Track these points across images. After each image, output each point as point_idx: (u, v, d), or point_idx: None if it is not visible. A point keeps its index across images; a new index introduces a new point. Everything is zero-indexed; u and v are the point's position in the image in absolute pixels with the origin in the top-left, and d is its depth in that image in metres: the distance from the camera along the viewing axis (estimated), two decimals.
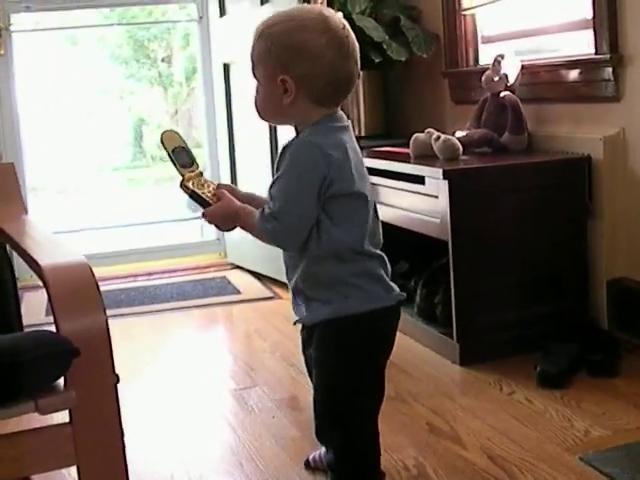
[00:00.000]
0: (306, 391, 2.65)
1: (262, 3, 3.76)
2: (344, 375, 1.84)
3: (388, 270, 1.88)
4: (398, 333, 1.91)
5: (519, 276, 2.85)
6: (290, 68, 1.75)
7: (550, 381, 2.57)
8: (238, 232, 1.87)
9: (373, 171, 3.17)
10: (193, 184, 1.83)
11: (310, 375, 1.96)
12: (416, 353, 2.95)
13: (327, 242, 1.76)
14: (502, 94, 3.14)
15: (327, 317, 1.82)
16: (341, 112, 1.85)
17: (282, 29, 1.77)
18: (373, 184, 3.07)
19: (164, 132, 1.87)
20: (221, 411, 2.59)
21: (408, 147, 3.24)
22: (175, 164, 1.83)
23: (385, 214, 3.08)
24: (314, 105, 1.78)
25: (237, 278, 4.16)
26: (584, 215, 2.90)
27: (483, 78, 3.20)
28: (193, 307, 3.76)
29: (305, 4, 1.95)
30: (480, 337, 2.81)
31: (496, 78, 3.15)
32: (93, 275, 1.56)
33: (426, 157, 3.08)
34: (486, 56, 3.64)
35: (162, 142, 1.85)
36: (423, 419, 2.41)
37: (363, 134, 4.01)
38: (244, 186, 3.96)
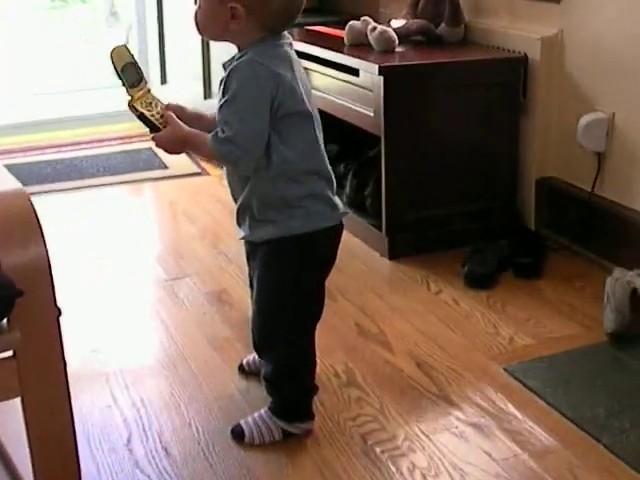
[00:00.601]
0: (235, 284, 2.68)
1: None
2: (285, 293, 1.85)
3: (334, 187, 1.87)
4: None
5: (450, 173, 2.87)
6: None
7: (477, 281, 2.63)
8: (168, 99, 1.85)
9: (306, 56, 3.11)
10: (142, 105, 1.77)
11: (251, 286, 1.96)
12: (346, 243, 2.93)
13: (277, 162, 1.74)
14: None
15: (271, 237, 1.82)
16: (285, 32, 1.79)
17: None
18: (306, 69, 3.04)
19: (114, 48, 1.78)
20: (153, 305, 2.60)
21: (341, 28, 3.18)
22: (124, 83, 1.76)
23: (318, 101, 3.05)
24: (261, 31, 1.73)
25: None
26: (517, 114, 2.91)
27: None
28: (120, 183, 3.70)
29: None
30: (409, 231, 2.85)
31: None
32: (32, 205, 1.52)
33: (361, 46, 3.03)
34: None
35: (111, 59, 1.77)
36: (352, 319, 2.46)
37: None
38: (174, 84, 3.92)
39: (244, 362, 2.18)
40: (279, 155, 1.74)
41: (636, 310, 2.29)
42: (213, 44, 3.66)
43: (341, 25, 3.40)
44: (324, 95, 3.10)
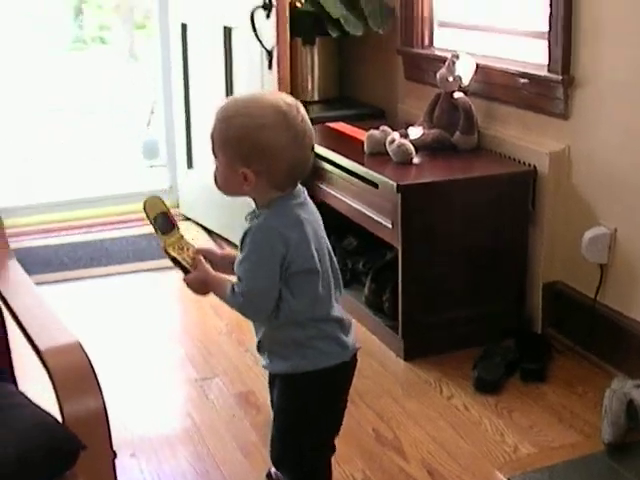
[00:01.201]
0: (261, 385, 2.91)
1: None
2: (298, 421, 2.10)
3: (346, 328, 2.10)
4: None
5: (462, 278, 3.14)
6: (251, 163, 1.90)
7: (486, 388, 2.89)
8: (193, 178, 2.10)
9: (327, 160, 3.41)
10: (173, 249, 2.03)
11: (272, 405, 2.23)
12: (364, 341, 3.23)
13: (287, 312, 1.98)
14: (455, 95, 3.36)
15: (285, 371, 2.07)
16: (298, 187, 2.00)
17: (241, 124, 1.90)
18: (326, 171, 3.34)
19: (147, 200, 2.03)
20: (184, 406, 2.87)
21: (362, 126, 3.49)
22: (156, 231, 2.02)
23: (338, 203, 3.36)
24: (272, 189, 1.95)
25: (186, 234, 4.35)
26: (526, 223, 3.18)
27: (438, 76, 3.40)
28: (147, 270, 3.99)
29: (267, 93, 2.06)
30: (423, 335, 3.12)
31: (450, 78, 3.36)
32: (87, 356, 1.80)
33: (379, 155, 3.30)
34: (441, 39, 3.84)
35: (145, 210, 2.04)
36: (370, 425, 2.72)
37: (316, 99, 4.21)
38: (199, 148, 4.21)
39: (272, 471, 2.44)
40: (289, 306, 1.97)
41: (632, 419, 2.55)
42: None
43: (361, 121, 3.71)
44: (344, 198, 3.39)
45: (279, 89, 3.59)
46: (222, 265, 2.07)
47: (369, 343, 3.22)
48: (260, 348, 2.12)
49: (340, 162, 3.38)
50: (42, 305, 2.09)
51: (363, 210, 3.26)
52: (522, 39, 3.37)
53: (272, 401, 2.23)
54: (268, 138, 1.88)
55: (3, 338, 2.23)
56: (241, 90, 3.90)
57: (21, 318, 1.99)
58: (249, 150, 1.89)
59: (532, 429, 2.68)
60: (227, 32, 3.95)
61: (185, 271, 2.03)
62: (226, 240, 4.27)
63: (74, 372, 1.80)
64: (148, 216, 2.02)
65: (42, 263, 4.01)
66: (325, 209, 3.27)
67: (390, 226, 3.07)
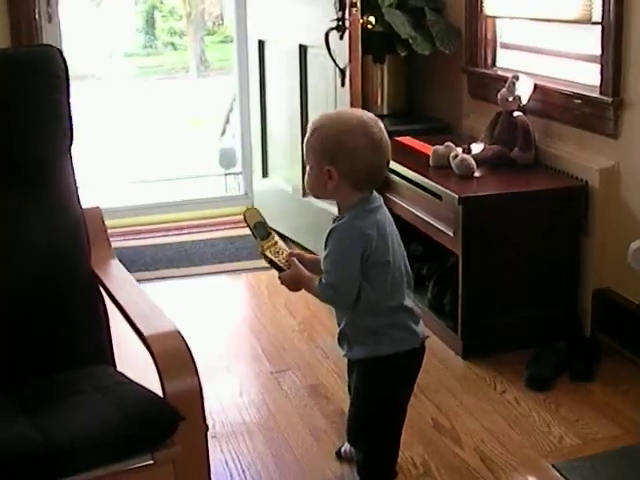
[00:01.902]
0: (331, 378, 3.32)
1: None
2: (375, 402, 2.49)
3: (416, 317, 2.48)
4: None
5: (519, 284, 3.47)
6: (335, 162, 2.31)
7: (536, 385, 3.21)
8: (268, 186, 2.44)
9: (395, 172, 3.77)
10: (270, 252, 2.44)
11: (349, 390, 2.60)
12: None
13: (365, 301, 2.37)
14: (515, 114, 3.69)
15: (363, 356, 2.46)
16: (375, 194, 2.41)
17: (330, 131, 2.33)
18: (394, 182, 3.69)
19: (246, 210, 2.48)
20: (260, 395, 3.24)
21: (428, 141, 3.87)
22: (256, 237, 2.45)
23: (403, 211, 3.71)
24: (353, 190, 2.35)
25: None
26: (579, 233, 3.50)
27: (499, 96, 3.74)
28: (226, 272, 4.39)
29: (351, 109, 2.49)
30: (480, 336, 3.45)
31: (510, 98, 3.69)
32: (186, 343, 2.18)
33: (443, 168, 3.65)
34: (503, 59, 4.17)
35: (245, 219, 2.45)
36: (429, 415, 3.06)
37: (385, 113, 4.57)
38: (274, 158, 4.60)
39: (342, 450, 2.81)
40: (367, 296, 2.36)
41: None
42: None
43: (428, 135, 4.07)
44: (409, 208, 3.74)
45: (351, 104, 3.94)
46: (311, 267, 2.47)
47: (431, 342, 3.48)
48: (341, 338, 2.51)
49: (407, 174, 3.73)
50: (144, 298, 2.47)
51: (427, 219, 3.61)
52: (576, 62, 3.68)
53: (349, 387, 2.62)
54: (348, 140, 2.31)
55: (107, 327, 2.61)
56: (315, 104, 4.28)
57: (127, 309, 2.37)
58: (334, 150, 2.31)
59: (577, 423, 3.00)
60: (302, 50, 4.32)
61: (280, 271, 2.43)
62: (298, 244, 4.64)
63: (175, 355, 2.16)
64: (248, 224, 2.46)
65: (127, 263, 4.41)
66: (393, 217, 3.65)
67: (452, 234, 3.41)
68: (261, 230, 2.46)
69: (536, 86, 3.70)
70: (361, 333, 2.44)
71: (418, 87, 4.70)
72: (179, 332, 2.21)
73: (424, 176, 3.63)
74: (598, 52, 3.43)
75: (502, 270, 3.44)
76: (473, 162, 3.56)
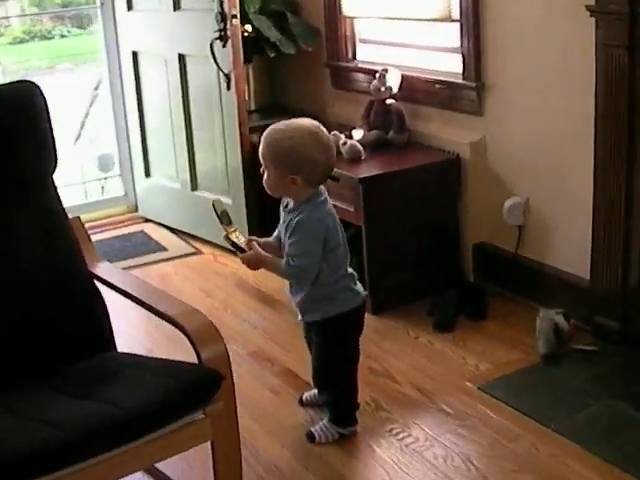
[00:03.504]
0: (267, 344, 3.89)
1: (175, 9, 4.79)
2: (334, 351, 3.11)
3: (355, 278, 3.11)
4: None
5: (412, 246, 4.16)
6: (298, 171, 2.86)
7: (442, 328, 3.91)
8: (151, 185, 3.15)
9: None
10: (234, 237, 2.98)
11: (309, 346, 3.21)
12: None
13: (323, 276, 2.98)
14: (388, 102, 4.37)
15: (320, 318, 3.06)
16: (321, 187, 3.00)
17: (287, 145, 2.85)
18: None
19: (214, 201, 2.98)
20: None
21: None
22: (222, 223, 2.95)
23: None
24: (309, 187, 2.93)
25: (154, 233, 5.25)
26: (455, 198, 4.23)
27: (371, 87, 4.40)
28: (134, 267, 4.84)
29: (298, 120, 2.95)
30: (385, 293, 4.12)
31: (382, 89, 4.36)
32: (210, 320, 2.70)
33: None
34: (362, 53, 4.85)
35: (213, 207, 2.96)
36: (363, 364, 3.68)
37: (253, 108, 5.16)
38: (155, 160, 5.09)
39: (303, 398, 3.39)
40: (324, 273, 2.97)
41: (559, 338, 3.62)
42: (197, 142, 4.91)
43: None
44: None
45: (238, 106, 4.53)
46: (264, 248, 3.01)
47: None
48: (299, 306, 3.09)
49: None
50: (151, 287, 2.98)
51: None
52: (437, 53, 4.40)
53: (309, 344, 3.21)
54: (306, 151, 2.86)
55: (109, 319, 3.08)
56: (198, 106, 4.82)
57: (142, 298, 2.86)
58: (297, 162, 2.86)
59: (485, 352, 3.71)
60: (182, 58, 4.84)
61: (242, 251, 2.96)
62: (188, 234, 5.16)
63: (204, 327, 2.68)
64: (216, 212, 2.96)
65: None
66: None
67: (353, 209, 4.05)
68: (225, 218, 2.96)
69: (403, 76, 4.38)
70: (317, 301, 3.04)
71: (284, 83, 5.31)
72: (200, 312, 2.73)
73: None
74: (458, 44, 4.15)
75: (398, 235, 4.11)
76: (361, 147, 4.21)
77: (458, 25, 4.12)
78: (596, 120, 3.54)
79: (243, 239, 3.00)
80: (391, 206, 4.06)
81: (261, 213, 4.69)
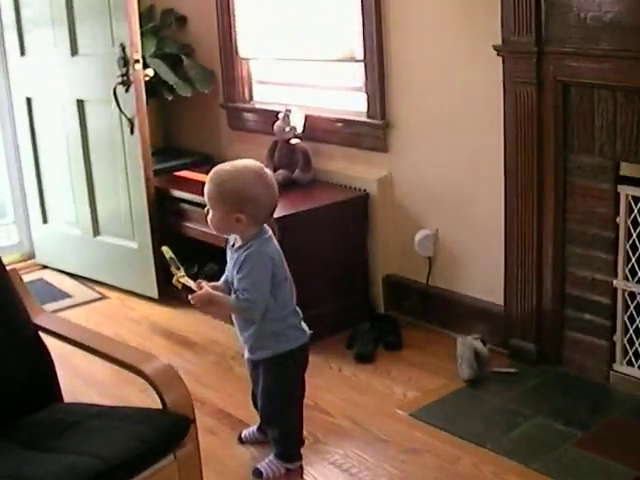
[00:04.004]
0: (197, 386, 3.91)
1: (72, 55, 4.79)
2: (280, 388, 3.18)
3: (300, 316, 3.20)
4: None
5: (326, 281, 4.28)
6: (243, 210, 2.95)
7: (364, 358, 4.04)
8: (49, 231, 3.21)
9: (193, 203, 4.44)
10: (184, 280, 3.05)
11: (254, 383, 3.28)
12: None
13: (271, 311, 3.06)
14: (293, 141, 4.49)
15: (267, 356, 3.13)
16: (265, 225, 3.09)
17: (234, 185, 2.95)
18: (193, 211, 4.35)
19: (162, 247, 3.09)
20: None
21: (202, 171, 4.54)
22: (171, 267, 3.05)
23: (206, 237, 4.38)
24: (255, 225, 3.03)
25: (54, 280, 5.19)
26: (365, 233, 4.38)
27: (275, 127, 4.51)
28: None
29: (243, 161, 3.04)
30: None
31: (287, 129, 4.48)
32: (175, 371, 2.74)
33: None
34: (260, 94, 4.97)
35: (163, 253, 3.06)
36: None
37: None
38: (52, 206, 5.05)
39: (242, 436, 3.44)
40: (272, 310, 3.06)
41: (479, 363, 3.79)
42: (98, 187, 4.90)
43: (199, 167, 4.80)
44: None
45: (142, 149, 4.56)
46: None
47: None
48: (246, 342, 3.16)
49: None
50: (92, 331, 3.00)
51: None
52: (337, 92, 4.56)
53: (254, 381, 3.28)
54: (251, 191, 2.96)
55: (53, 367, 3.07)
56: (98, 151, 4.82)
57: (96, 347, 2.88)
58: (242, 202, 2.95)
59: (410, 381, 3.85)
60: (80, 103, 4.83)
61: (192, 293, 3.03)
62: (90, 279, 5.14)
63: (165, 372, 2.73)
64: (165, 257, 3.06)
65: None
66: (194, 244, 4.42)
67: None
68: (174, 262, 3.06)
69: (306, 116, 4.51)
70: (265, 337, 3.11)
71: (180, 125, 5.37)
72: (154, 357, 2.78)
73: None
74: (361, 84, 4.32)
75: (312, 271, 4.21)
76: None
77: (361, 65, 4.27)
78: (505, 151, 3.75)
79: (192, 282, 3.06)
80: (305, 243, 4.17)
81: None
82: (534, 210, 3.71)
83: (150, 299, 4.86)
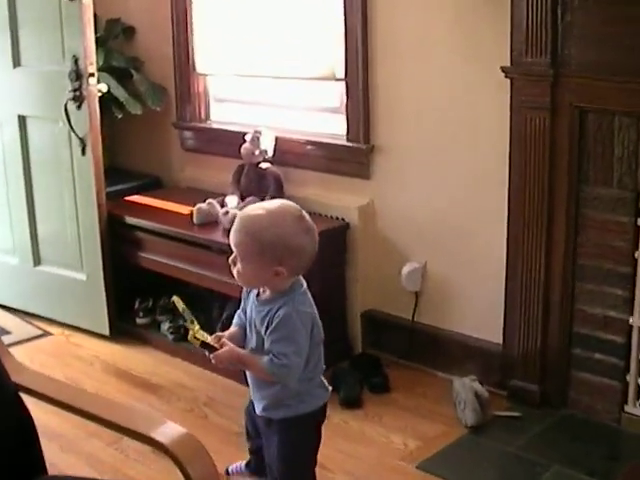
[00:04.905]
0: None
1: (14, 66, 4.36)
2: (302, 451, 2.84)
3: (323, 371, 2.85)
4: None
5: None
6: (283, 262, 2.57)
7: (351, 404, 3.73)
8: None
9: (155, 232, 4.09)
10: (200, 335, 2.68)
11: (248, 437, 2.98)
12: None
13: (302, 373, 2.68)
14: (263, 165, 4.17)
15: (288, 416, 2.76)
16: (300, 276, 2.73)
17: (273, 235, 2.54)
18: (153, 241, 4.01)
19: (173, 298, 2.72)
20: (117, 465, 3.39)
21: (157, 196, 4.40)
22: (186, 321, 2.68)
23: (166, 269, 4.05)
24: (292, 277, 2.66)
25: None
26: (343, 266, 4.08)
27: (243, 150, 4.16)
28: None
29: (280, 202, 2.68)
30: None
31: (256, 152, 4.15)
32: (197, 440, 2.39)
33: (209, 224, 4.05)
34: (217, 113, 4.62)
35: (174, 305, 2.71)
36: None
37: None
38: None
39: (229, 470, 3.13)
40: (305, 369, 2.68)
41: (481, 407, 3.54)
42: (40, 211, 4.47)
43: (150, 191, 4.46)
44: (176, 264, 4.09)
45: (95, 172, 4.17)
46: (233, 342, 2.71)
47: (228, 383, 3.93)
48: (261, 400, 2.78)
49: (179, 235, 4.06)
50: (88, 393, 2.62)
51: (208, 273, 3.97)
52: (312, 113, 4.26)
53: (250, 438, 3.00)
54: (296, 242, 2.59)
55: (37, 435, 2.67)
56: (42, 172, 4.40)
57: (100, 414, 2.49)
58: (280, 252, 2.56)
59: (406, 428, 3.57)
60: (22, 120, 4.40)
61: (211, 351, 2.66)
62: (28, 314, 4.68)
63: (187, 442, 2.37)
64: (178, 309, 2.70)
65: None
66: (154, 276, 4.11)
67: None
68: (188, 315, 2.69)
69: (277, 139, 4.20)
70: (289, 397, 2.74)
71: (129, 145, 4.96)
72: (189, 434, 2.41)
73: (190, 231, 4.04)
74: (337, 104, 4.03)
75: None
76: None
77: (341, 84, 3.99)
78: (510, 181, 3.53)
79: (210, 337, 2.69)
80: None
81: (120, 290, 4.36)
82: (542, 243, 3.49)
83: (100, 336, 4.45)
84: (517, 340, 3.64)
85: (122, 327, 4.41)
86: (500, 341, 3.72)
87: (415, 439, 3.49)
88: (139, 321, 4.44)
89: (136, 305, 4.43)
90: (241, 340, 2.75)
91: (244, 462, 3.06)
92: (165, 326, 4.31)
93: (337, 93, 4.11)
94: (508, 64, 3.42)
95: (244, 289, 2.77)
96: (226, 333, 2.78)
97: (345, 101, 4.01)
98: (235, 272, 2.64)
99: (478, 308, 3.80)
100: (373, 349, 4.14)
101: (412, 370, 4.02)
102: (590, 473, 3.17)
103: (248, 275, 2.63)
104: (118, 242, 4.33)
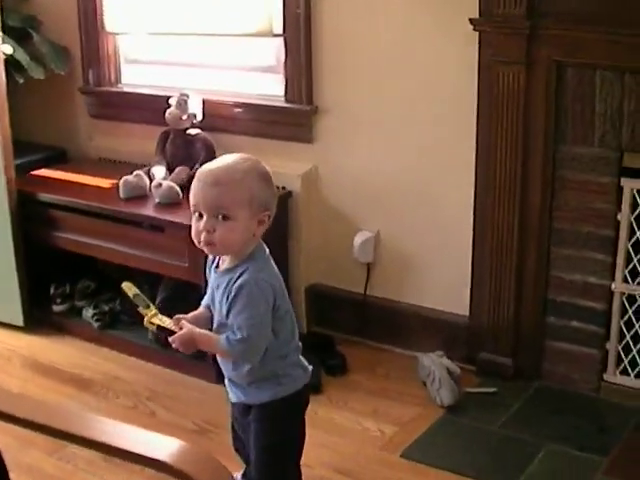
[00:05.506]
0: None
1: None
2: (284, 437, 2.54)
3: (300, 350, 2.57)
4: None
5: None
6: (269, 205, 2.38)
7: (314, 390, 3.43)
8: None
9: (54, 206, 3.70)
10: (156, 320, 2.38)
11: (234, 431, 2.65)
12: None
13: (271, 351, 2.41)
14: (192, 131, 3.80)
15: (265, 400, 2.47)
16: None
17: (256, 176, 2.34)
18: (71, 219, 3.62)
19: (123, 284, 2.43)
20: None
21: (67, 169, 4.03)
22: (137, 306, 2.39)
23: (92, 250, 3.66)
24: (260, 235, 2.39)
25: None
26: (285, 238, 3.76)
27: (168, 115, 3.78)
28: None
29: (238, 155, 2.41)
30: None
31: (184, 117, 3.78)
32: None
33: (138, 198, 3.66)
34: (129, 76, 4.20)
35: (124, 291, 2.42)
36: None
37: None
38: None
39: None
40: (271, 345, 2.41)
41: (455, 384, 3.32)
42: None
43: (57, 165, 4.05)
44: (105, 245, 3.68)
45: (2, 145, 3.73)
46: (195, 324, 2.41)
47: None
48: (234, 385, 2.51)
49: (104, 211, 3.65)
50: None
51: (144, 254, 3.58)
52: (241, 73, 3.90)
53: (234, 429, 2.66)
54: (272, 181, 2.41)
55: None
56: None
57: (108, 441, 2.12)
58: (266, 195, 2.37)
59: (377, 413, 3.30)
60: None
61: (171, 334, 2.38)
62: None
63: (207, 463, 2.05)
64: (128, 296, 2.42)
65: None
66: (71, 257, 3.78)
67: (186, 264, 3.45)
68: (140, 301, 2.42)
69: (204, 102, 3.83)
70: (263, 379, 2.47)
71: (29, 114, 4.45)
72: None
73: (117, 207, 3.65)
74: (273, 63, 3.70)
75: None
76: (179, 189, 3.61)
77: (278, 40, 3.66)
78: (478, 142, 3.31)
79: (168, 320, 2.41)
80: None
81: (36, 277, 3.92)
82: (514, 208, 3.29)
83: (13, 327, 4.00)
84: (487, 311, 3.44)
85: (38, 316, 3.97)
86: (466, 313, 3.50)
87: (390, 424, 3.24)
88: (56, 308, 4.01)
89: (52, 291, 3.99)
90: (209, 321, 2.46)
91: (240, 473, 2.73)
92: (88, 312, 3.89)
93: (272, 50, 3.76)
94: (477, 15, 3.15)
95: (208, 265, 2.47)
96: (189, 315, 2.47)
97: (283, 59, 3.66)
98: (217, 238, 2.31)
99: (439, 278, 3.56)
100: (319, 327, 3.85)
101: (367, 348, 3.76)
102: (581, 448, 3.01)
103: (236, 234, 2.33)
104: (29, 222, 3.88)
